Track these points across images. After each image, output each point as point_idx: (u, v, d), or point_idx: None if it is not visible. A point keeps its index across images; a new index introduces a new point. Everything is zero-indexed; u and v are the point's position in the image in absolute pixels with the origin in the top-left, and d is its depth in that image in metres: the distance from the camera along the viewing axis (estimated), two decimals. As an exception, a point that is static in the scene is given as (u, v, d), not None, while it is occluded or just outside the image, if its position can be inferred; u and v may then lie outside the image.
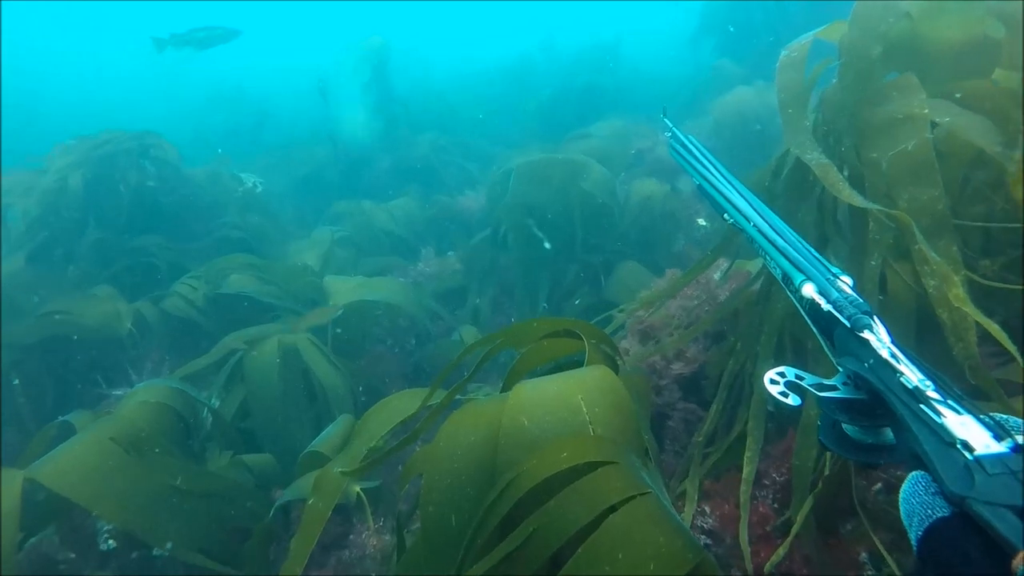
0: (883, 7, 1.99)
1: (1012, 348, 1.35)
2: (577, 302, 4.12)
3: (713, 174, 1.47)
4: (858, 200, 1.58)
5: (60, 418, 2.89)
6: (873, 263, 1.68)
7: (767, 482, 1.80)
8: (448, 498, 1.59)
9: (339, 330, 3.72)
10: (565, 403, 1.65)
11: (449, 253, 5.26)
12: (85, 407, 3.60)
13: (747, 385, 1.95)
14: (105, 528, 2.68)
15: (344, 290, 3.96)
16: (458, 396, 1.95)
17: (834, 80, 2.08)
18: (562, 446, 1.52)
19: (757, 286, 2.11)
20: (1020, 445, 0.73)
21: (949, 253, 1.50)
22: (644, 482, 1.45)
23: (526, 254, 4.28)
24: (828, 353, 1.05)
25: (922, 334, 1.71)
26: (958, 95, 1.80)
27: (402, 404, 1.91)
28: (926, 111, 1.76)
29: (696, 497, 1.81)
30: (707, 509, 1.76)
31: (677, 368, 2.26)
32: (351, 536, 2.40)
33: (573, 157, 4.61)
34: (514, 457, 1.58)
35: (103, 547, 2.76)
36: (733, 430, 1.97)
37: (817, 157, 1.68)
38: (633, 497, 1.35)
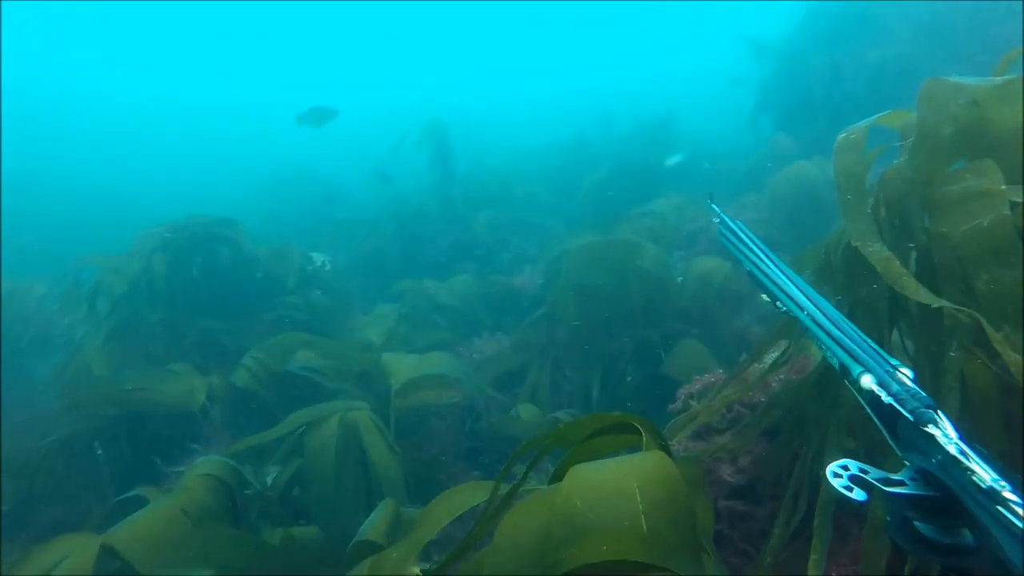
0: (954, 87, 1.98)
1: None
2: (629, 379, 4.07)
3: (764, 260, 1.47)
4: (924, 296, 1.52)
5: (133, 491, 2.99)
6: (953, 354, 1.60)
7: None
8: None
9: (397, 407, 3.76)
10: (619, 488, 1.62)
11: (504, 332, 5.30)
12: (152, 479, 3.74)
13: (807, 484, 1.85)
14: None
15: (403, 367, 4.02)
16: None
17: (898, 159, 2.05)
18: (609, 537, 1.50)
19: (815, 376, 2.04)
20: None
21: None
22: None
23: (581, 333, 4.27)
24: (894, 447, 1.01)
25: (1011, 430, 1.60)
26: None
27: (464, 497, 1.91)
28: (1003, 187, 1.71)
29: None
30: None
31: (727, 472, 2.17)
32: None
33: (627, 238, 4.66)
34: (566, 538, 1.56)
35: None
36: (793, 532, 1.86)
37: (879, 250, 1.64)
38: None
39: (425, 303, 5.76)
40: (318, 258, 6.15)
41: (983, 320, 1.46)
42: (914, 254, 1.86)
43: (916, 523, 0.91)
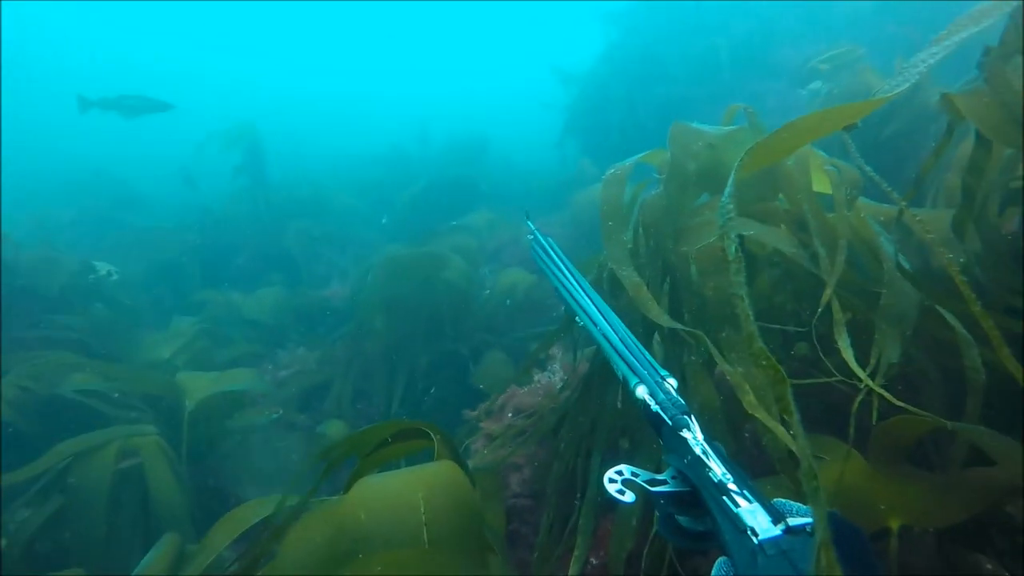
0: (695, 132, 2.31)
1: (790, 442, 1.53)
2: (434, 391, 4.17)
3: (568, 278, 1.58)
4: (665, 320, 1.77)
5: None
6: (690, 363, 1.88)
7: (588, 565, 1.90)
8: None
9: (192, 429, 3.51)
10: (404, 500, 1.67)
11: (312, 346, 5.16)
12: None
13: (580, 481, 2.06)
14: None
15: (200, 385, 3.76)
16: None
17: (656, 190, 2.35)
18: (390, 550, 1.56)
19: (584, 382, 2.27)
20: (790, 527, 0.86)
21: (751, 348, 1.68)
22: None
23: (388, 345, 4.30)
24: (661, 449, 1.15)
25: (735, 431, 1.92)
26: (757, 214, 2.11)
27: (247, 514, 1.85)
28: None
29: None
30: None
31: (515, 479, 2.34)
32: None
33: (435, 251, 4.79)
34: (348, 552, 1.59)
35: None
36: (570, 524, 2.05)
37: (631, 275, 1.88)
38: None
39: (229, 317, 5.43)
40: (102, 267, 5.54)
41: (705, 338, 1.73)
42: (661, 266, 2.15)
43: (676, 516, 1.05)
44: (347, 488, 1.78)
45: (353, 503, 1.66)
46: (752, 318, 1.19)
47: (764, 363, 1.14)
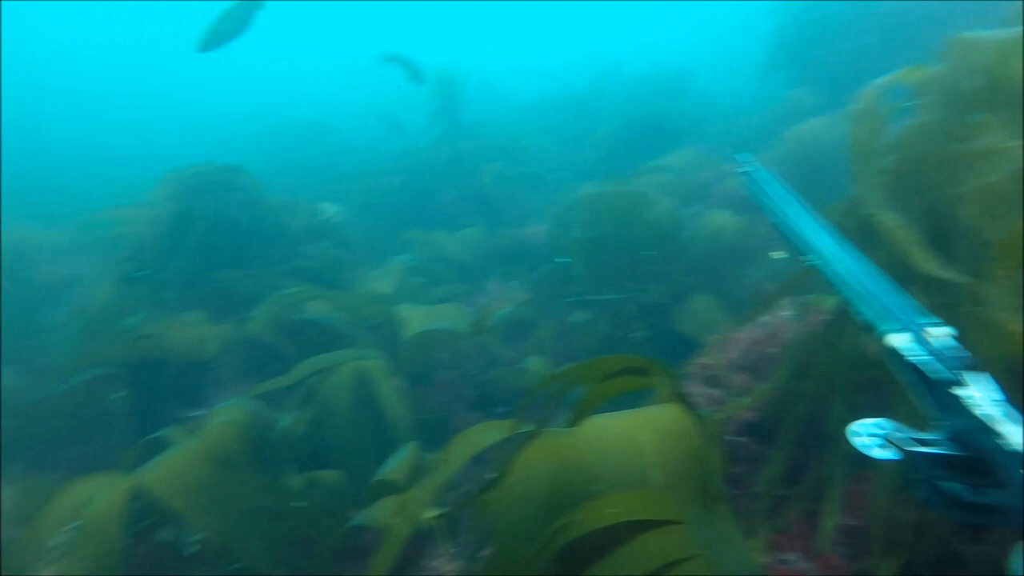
0: (980, 40, 1.94)
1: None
2: (638, 334, 4.11)
3: (792, 212, 1.43)
4: (932, 267, 1.54)
5: (155, 433, 3.08)
6: (962, 317, 1.63)
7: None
8: (517, 528, 1.63)
9: (408, 357, 3.84)
10: (631, 442, 1.66)
11: (513, 283, 5.34)
12: (170, 423, 3.84)
13: (823, 430, 1.90)
14: (192, 539, 2.83)
15: (415, 318, 4.08)
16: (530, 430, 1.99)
17: (915, 118, 2.04)
18: (617, 500, 1.56)
19: (827, 330, 2.07)
20: None
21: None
22: (705, 540, 1.45)
23: (589, 285, 4.30)
24: (922, 406, 1.01)
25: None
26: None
27: (481, 437, 1.96)
28: (1014, 144, 1.71)
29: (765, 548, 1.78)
30: (791, 556, 1.72)
31: (742, 413, 2.23)
32: (421, 561, 2.45)
33: (637, 189, 4.64)
34: (576, 492, 1.61)
35: (187, 551, 2.91)
36: (805, 476, 1.93)
37: (889, 219, 1.65)
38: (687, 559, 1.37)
39: (434, 255, 5.79)
40: (328, 209, 6.15)
41: (988, 289, 1.48)
42: (926, 217, 1.87)
43: (943, 483, 0.91)
44: (573, 421, 1.81)
45: (580, 440, 1.68)
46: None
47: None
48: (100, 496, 2.47)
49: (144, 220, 5.44)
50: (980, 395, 0.90)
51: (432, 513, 2.13)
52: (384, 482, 2.56)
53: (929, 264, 1.57)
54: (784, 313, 2.64)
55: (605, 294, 4.22)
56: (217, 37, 7.36)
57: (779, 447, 1.94)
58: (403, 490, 2.51)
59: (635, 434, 1.64)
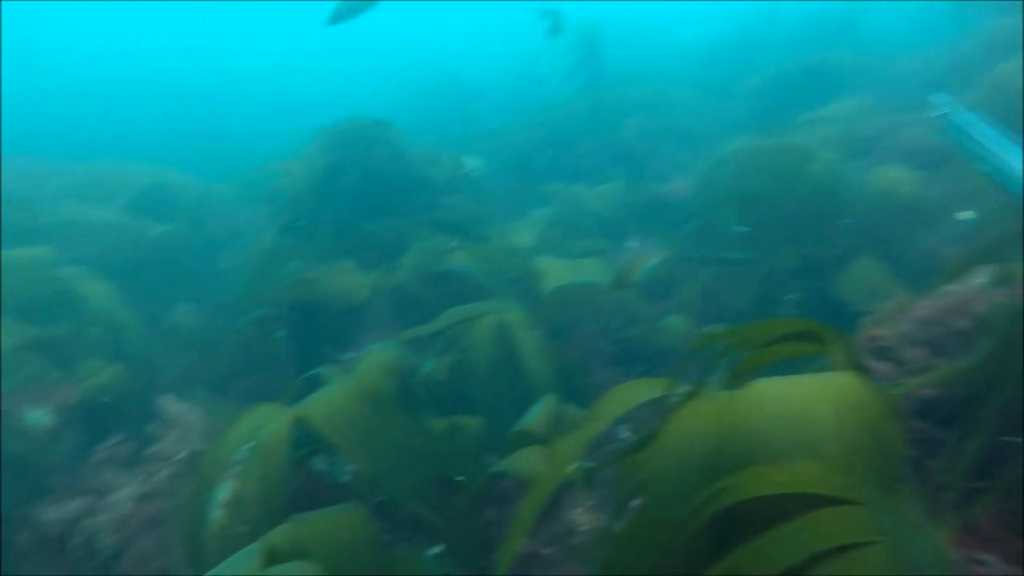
0: None
1: None
2: (792, 296, 3.83)
3: (1013, 158, 1.23)
4: None
5: (312, 371, 3.32)
6: None
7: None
8: (672, 487, 1.57)
9: (547, 310, 3.84)
10: (803, 410, 1.54)
11: (653, 241, 5.16)
12: (323, 363, 4.13)
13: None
14: (344, 469, 3.05)
15: (555, 272, 4.06)
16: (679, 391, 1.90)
17: None
18: (787, 469, 1.44)
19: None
20: None
21: None
22: (886, 526, 1.31)
23: (739, 244, 4.05)
24: None
25: None
26: None
27: (635, 393, 1.91)
28: None
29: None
30: (986, 558, 1.52)
31: (920, 391, 1.99)
32: (559, 511, 2.47)
33: (795, 142, 4.27)
34: (739, 457, 1.52)
35: (342, 479, 3.14)
36: (1002, 469, 1.70)
37: None
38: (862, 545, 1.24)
39: (573, 209, 5.72)
40: (469, 162, 6.24)
41: None
42: None
43: None
44: (731, 386, 1.71)
45: (746, 403, 1.57)
46: None
47: None
48: (270, 423, 2.71)
49: (300, 173, 5.81)
50: None
51: (574, 465, 2.12)
52: (525, 433, 2.58)
53: None
54: (976, 282, 2.33)
55: (756, 253, 3.96)
56: (345, 11, 7.87)
57: (975, 434, 1.71)
58: (544, 442, 2.53)
59: (808, 402, 1.51)
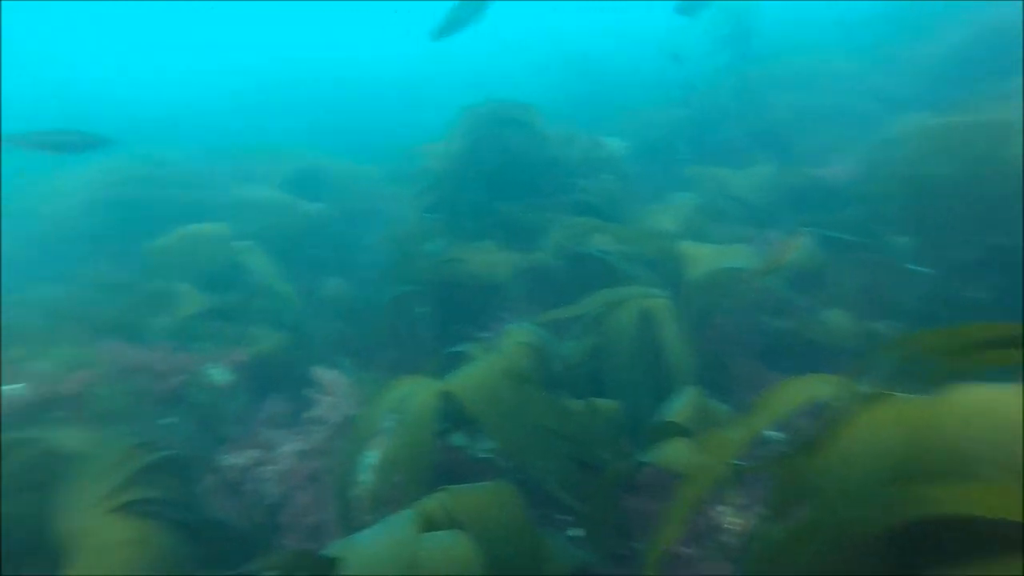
0: None
1: None
2: (978, 294, 3.42)
3: None
4: None
5: (454, 347, 3.42)
6: None
7: None
8: (849, 492, 1.45)
9: (691, 296, 3.69)
10: (1013, 424, 1.36)
11: (811, 227, 4.80)
12: (463, 340, 4.24)
13: None
14: (484, 446, 3.12)
15: (700, 257, 3.90)
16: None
17: None
18: (996, 489, 1.28)
19: None
20: None
21: None
22: None
23: (914, 234, 3.67)
24: None
25: None
26: None
27: (809, 389, 1.79)
28: None
29: None
30: None
31: None
32: (705, 507, 2.37)
33: (991, 119, 3.78)
34: (931, 467, 1.38)
35: (479, 455, 3.22)
36: None
37: None
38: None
39: (718, 192, 5.45)
40: (609, 143, 6.13)
41: None
42: None
43: None
44: (921, 391, 1.55)
45: (943, 410, 1.42)
46: None
47: None
48: (416, 394, 2.82)
49: (441, 155, 5.98)
50: None
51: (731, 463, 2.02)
52: (670, 423, 2.50)
53: None
54: None
55: (936, 244, 3.58)
56: (450, 26, 7.49)
57: None
58: (687, 434, 2.44)
59: (1018, 416, 1.33)
